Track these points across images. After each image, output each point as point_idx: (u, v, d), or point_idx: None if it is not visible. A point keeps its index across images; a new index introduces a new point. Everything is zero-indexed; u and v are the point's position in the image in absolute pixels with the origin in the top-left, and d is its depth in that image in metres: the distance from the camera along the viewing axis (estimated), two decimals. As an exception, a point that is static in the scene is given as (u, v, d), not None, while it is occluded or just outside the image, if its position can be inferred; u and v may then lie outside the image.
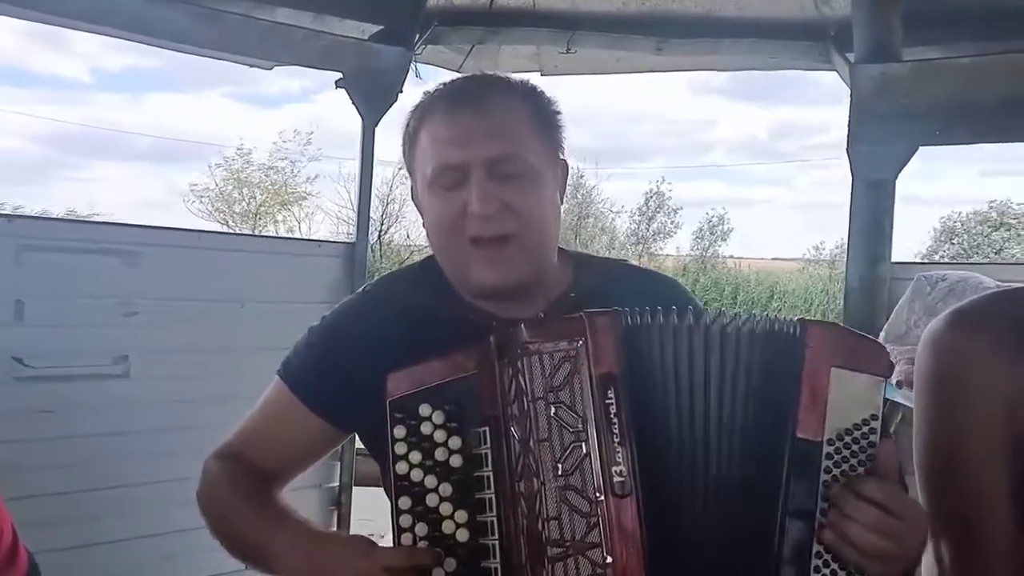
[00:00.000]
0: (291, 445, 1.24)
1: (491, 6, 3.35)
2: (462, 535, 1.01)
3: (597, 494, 0.95)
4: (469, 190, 1.12)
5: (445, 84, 1.21)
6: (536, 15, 3.34)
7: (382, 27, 3.27)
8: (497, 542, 1.00)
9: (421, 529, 1.02)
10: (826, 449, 0.98)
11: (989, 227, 19.19)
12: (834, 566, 0.97)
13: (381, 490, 1.10)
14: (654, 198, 20.52)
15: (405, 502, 1.02)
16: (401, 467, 1.03)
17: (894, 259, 3.20)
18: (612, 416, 0.96)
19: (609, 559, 0.94)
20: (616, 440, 0.96)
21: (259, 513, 1.16)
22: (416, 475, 1.03)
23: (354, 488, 3.43)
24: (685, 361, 1.00)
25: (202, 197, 18.35)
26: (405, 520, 1.02)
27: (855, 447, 0.98)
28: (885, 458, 0.99)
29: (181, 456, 2.78)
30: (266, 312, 3.06)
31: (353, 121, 3.28)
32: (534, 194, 1.15)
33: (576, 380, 0.98)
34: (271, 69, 3.32)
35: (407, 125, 1.21)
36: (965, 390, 1.12)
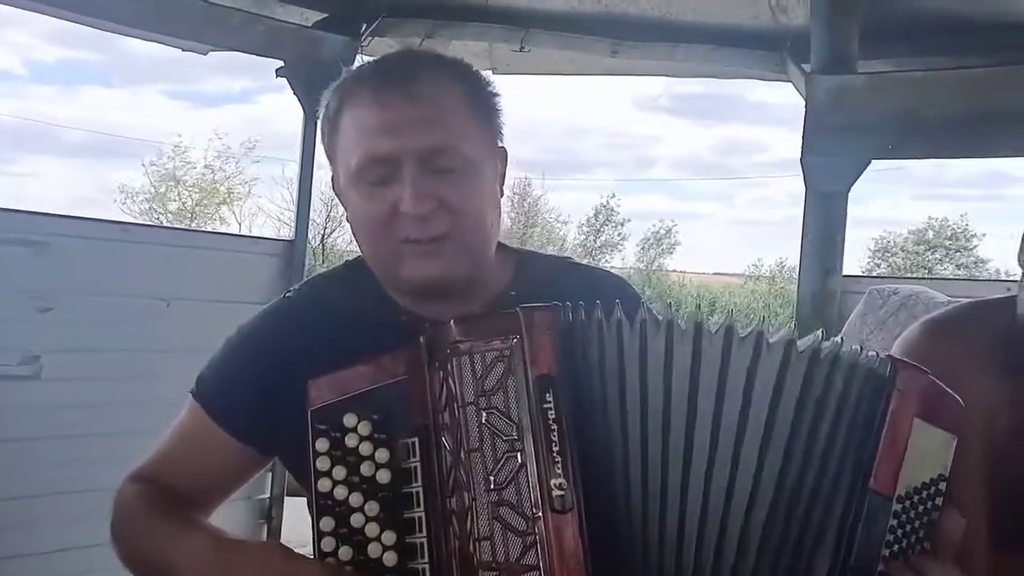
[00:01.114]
0: (209, 470, 1.13)
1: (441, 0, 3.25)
2: (390, 559, 0.91)
3: (534, 510, 0.84)
4: (400, 186, 1.01)
5: (369, 63, 1.10)
6: (489, 10, 3.25)
7: (326, 15, 3.14)
8: (427, 565, 0.90)
9: (345, 552, 0.92)
10: (895, 507, 0.89)
11: (924, 247, 19.84)
12: None
13: None
14: (603, 211, 20.71)
15: (328, 523, 0.92)
16: (324, 484, 0.92)
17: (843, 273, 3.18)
18: (551, 422, 0.86)
19: None
20: (555, 449, 0.85)
21: (164, 528, 1.04)
22: (340, 493, 0.93)
23: (286, 499, 3.28)
24: (635, 362, 0.90)
25: (136, 195, 17.87)
26: (328, 543, 0.92)
27: (921, 507, 0.90)
28: (948, 529, 0.91)
29: (95, 465, 2.62)
30: (194, 312, 2.88)
31: (295, 123, 3.17)
32: (472, 188, 1.05)
33: (511, 382, 0.87)
34: (206, 54, 3.16)
35: (327, 107, 1.09)
36: None
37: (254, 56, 3.11)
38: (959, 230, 20.02)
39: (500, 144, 1.11)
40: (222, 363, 1.13)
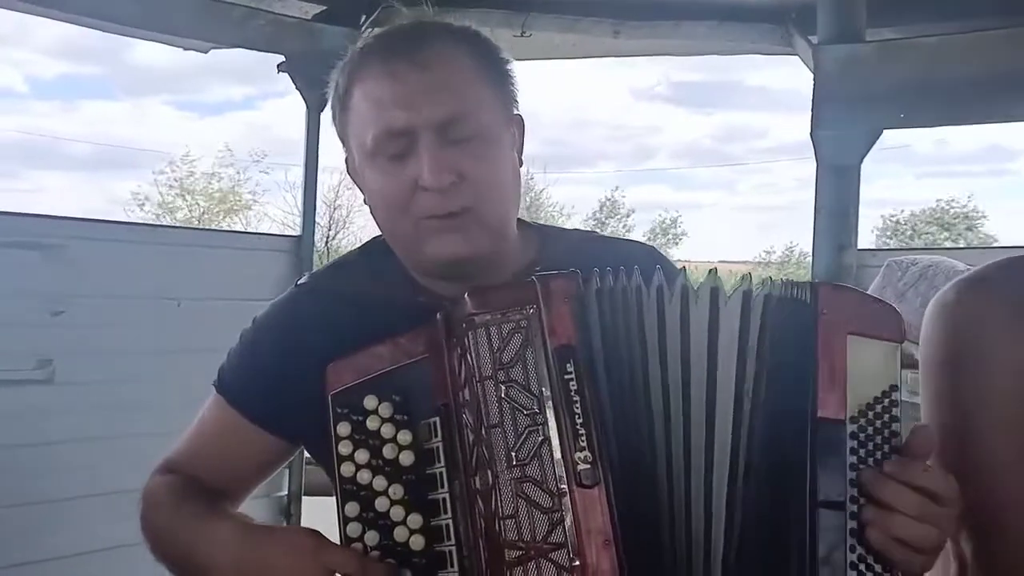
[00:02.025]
0: (236, 461, 1.11)
1: (441, -13, 3.21)
2: (416, 542, 0.89)
3: (559, 485, 0.81)
4: (418, 160, 0.98)
5: (376, 35, 1.06)
6: (489, -4, 3.21)
7: (325, 7, 3.11)
8: (454, 548, 0.88)
9: (371, 538, 0.90)
10: (850, 428, 0.86)
11: (935, 226, 19.73)
12: (869, 559, 0.85)
13: (333, 500, 0.96)
14: (607, 204, 20.65)
15: (353, 508, 0.90)
16: (347, 469, 0.90)
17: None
18: (572, 394, 0.82)
19: (576, 561, 0.80)
20: (579, 422, 0.82)
21: (193, 517, 1.02)
22: (364, 477, 0.90)
23: (304, 498, 3.28)
24: (655, 329, 0.87)
25: (143, 205, 17.99)
26: (354, 529, 0.90)
27: (878, 423, 0.87)
28: (915, 435, 0.87)
29: (111, 468, 2.64)
30: (205, 311, 2.87)
31: (299, 128, 3.15)
32: (491, 158, 1.02)
33: (529, 354, 0.84)
34: (207, 52, 3.14)
35: (336, 86, 1.06)
36: (979, 359, 1.05)
37: (255, 60, 3.10)
38: (968, 210, 19.93)
39: (516, 111, 1.07)
40: (241, 354, 1.11)
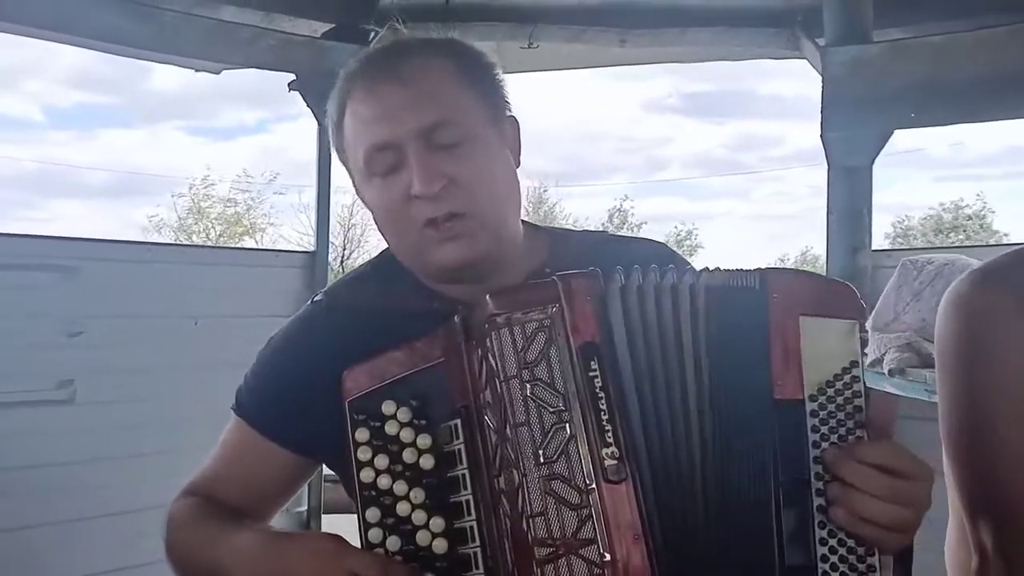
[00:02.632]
0: (260, 482, 1.11)
1: (447, 2, 3.24)
2: (439, 546, 0.89)
3: (587, 482, 0.82)
4: (408, 170, 1.01)
5: (360, 58, 1.09)
6: (495, 8, 3.24)
7: (334, 25, 3.14)
8: (479, 550, 0.88)
9: (393, 543, 0.90)
10: (809, 407, 0.87)
11: (946, 228, 19.58)
12: (840, 535, 0.85)
13: (352, 518, 0.97)
14: (617, 215, 20.65)
15: (373, 514, 0.90)
16: (366, 474, 0.91)
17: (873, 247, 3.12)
18: (597, 390, 0.83)
19: (607, 556, 0.80)
20: (605, 418, 0.82)
21: (215, 533, 1.02)
22: (383, 482, 0.90)
23: (324, 516, 3.28)
24: (670, 324, 0.88)
25: (160, 229, 18.18)
26: (375, 534, 0.90)
27: (839, 399, 0.87)
28: (877, 411, 0.88)
29: (136, 486, 2.65)
30: (222, 328, 2.89)
31: (311, 149, 3.19)
32: (480, 161, 1.03)
33: (553, 352, 0.85)
34: (219, 73, 3.18)
35: (331, 116, 1.09)
36: (994, 350, 1.05)
37: (268, 84, 3.14)
38: (978, 211, 19.79)
39: (507, 113, 1.09)
40: (258, 375, 1.12)
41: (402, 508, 0.90)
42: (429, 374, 0.91)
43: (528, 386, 0.84)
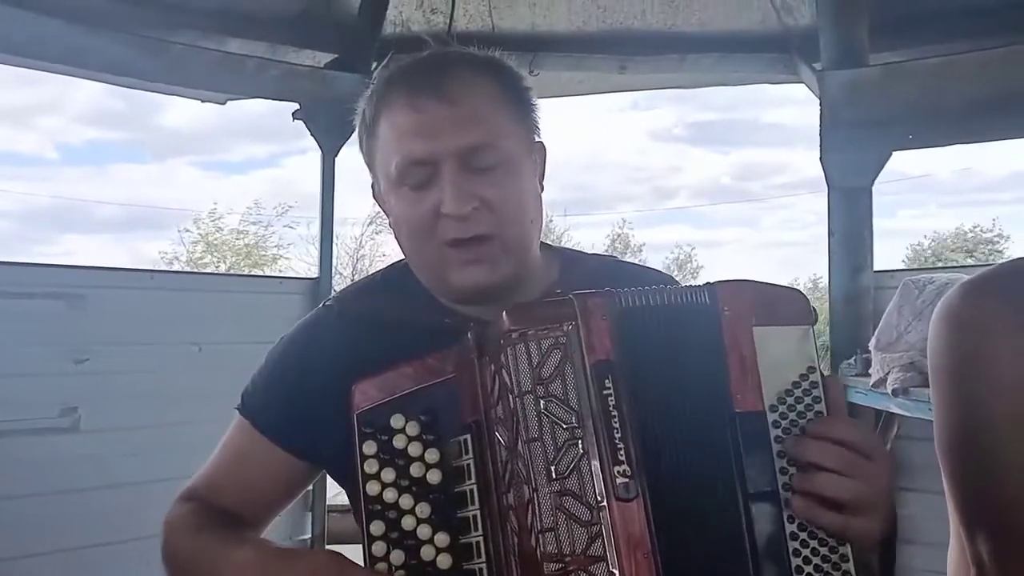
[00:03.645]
0: (259, 484, 1.11)
1: (449, 30, 3.29)
2: (444, 561, 0.88)
3: (598, 499, 0.81)
4: (440, 188, 1.01)
5: (401, 66, 1.09)
6: (496, 38, 3.28)
7: (337, 56, 3.18)
8: (484, 565, 0.87)
9: (397, 557, 0.89)
10: (771, 417, 0.86)
11: (963, 253, 19.58)
12: (812, 544, 0.84)
13: (357, 548, 0.96)
14: (619, 240, 20.71)
15: (378, 527, 0.90)
16: (372, 487, 0.90)
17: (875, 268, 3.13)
18: (611, 409, 0.83)
19: (616, 573, 0.80)
20: (617, 436, 0.82)
21: (213, 543, 1.01)
22: (390, 495, 0.90)
23: (328, 547, 3.26)
24: (687, 345, 0.88)
25: (171, 264, 18.25)
26: (379, 548, 0.89)
27: (800, 407, 0.87)
28: (834, 402, 0.87)
29: (137, 514, 2.63)
30: (226, 355, 2.89)
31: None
32: (513, 186, 1.04)
33: (568, 369, 0.84)
34: (224, 103, 3.21)
35: (363, 114, 1.09)
36: (987, 361, 1.05)
37: (278, 119, 3.17)
38: (992, 235, 19.80)
39: (537, 139, 1.10)
40: (265, 376, 1.12)
41: (407, 522, 0.89)
42: (440, 389, 0.91)
43: (542, 402, 0.84)
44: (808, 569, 0.84)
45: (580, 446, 0.83)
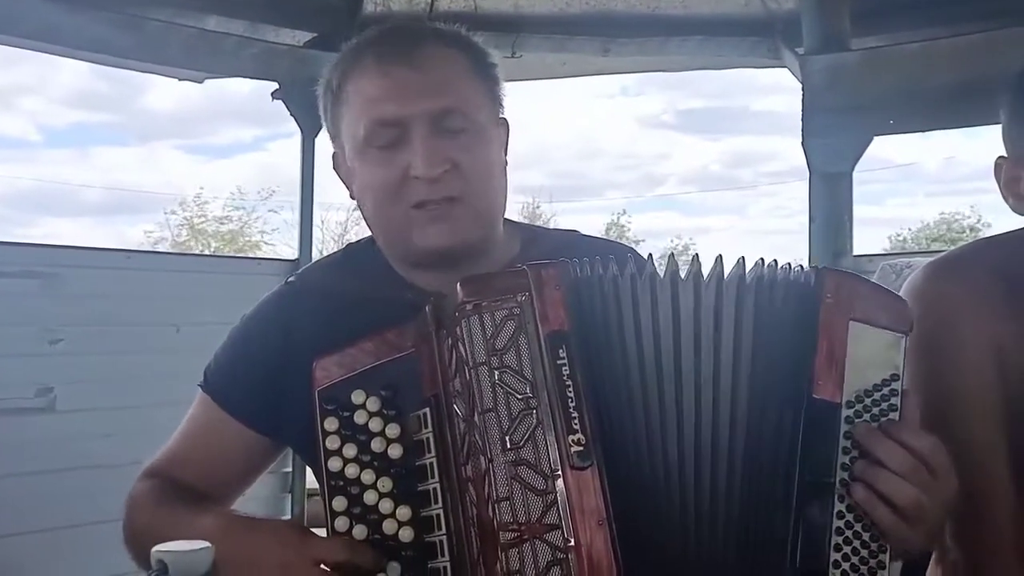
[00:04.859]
0: (223, 460, 1.11)
1: (431, 11, 3.26)
2: (406, 534, 0.90)
3: (553, 468, 0.82)
4: (410, 150, 1.01)
5: (368, 36, 1.09)
6: (478, 18, 3.26)
7: (316, 34, 3.15)
8: (445, 537, 0.88)
9: (360, 531, 0.90)
10: (845, 412, 0.86)
11: (942, 240, 19.69)
12: (863, 536, 0.84)
13: None
14: (614, 228, 20.69)
15: (340, 503, 0.91)
16: (334, 463, 0.91)
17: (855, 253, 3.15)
18: (565, 379, 0.84)
19: (571, 541, 0.81)
20: (571, 405, 0.83)
21: (174, 516, 1.02)
22: (351, 471, 0.91)
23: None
24: (647, 316, 0.88)
25: (156, 245, 18.13)
26: (341, 523, 0.90)
27: (875, 410, 0.87)
28: (910, 413, 0.87)
29: (113, 496, 2.61)
30: (204, 336, 2.84)
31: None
32: (483, 152, 1.05)
33: (522, 340, 0.85)
34: (202, 82, 3.18)
35: (328, 82, 1.09)
36: (950, 339, 1.07)
37: (263, 102, 3.13)
38: (973, 222, 19.91)
39: (502, 115, 1.11)
40: (227, 352, 1.13)
41: (369, 497, 0.90)
42: (400, 364, 0.92)
43: (496, 373, 0.85)
44: (845, 567, 0.84)
45: (535, 416, 0.83)
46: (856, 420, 0.86)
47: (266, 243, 18.24)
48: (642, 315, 0.88)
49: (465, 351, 0.86)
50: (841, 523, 0.84)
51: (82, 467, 2.60)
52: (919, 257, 2.93)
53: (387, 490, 0.90)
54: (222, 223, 18.87)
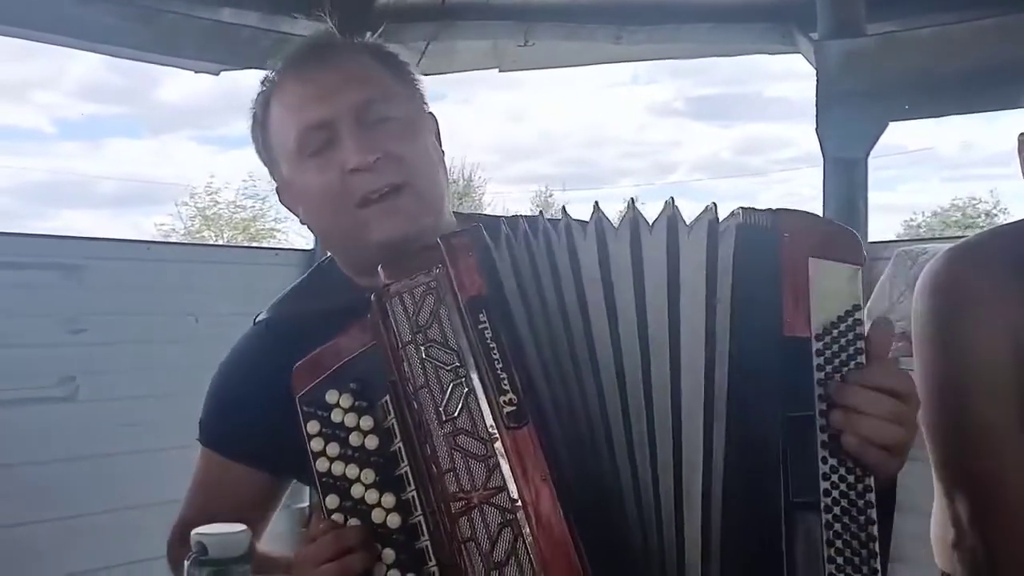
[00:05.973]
0: (239, 506, 1.12)
1: (443, 1, 3.26)
2: (393, 520, 0.91)
3: (489, 431, 0.84)
4: (342, 147, 1.03)
5: (282, 60, 1.13)
6: (491, 7, 3.26)
7: (331, 26, 3.16)
8: (421, 518, 0.90)
9: (354, 524, 0.93)
10: (815, 346, 0.87)
11: (959, 226, 19.47)
12: (847, 463, 0.86)
13: None
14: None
15: (333, 500, 0.93)
16: (322, 464, 0.94)
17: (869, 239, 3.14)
18: (489, 341, 0.85)
19: (518, 500, 0.83)
20: (499, 367, 0.84)
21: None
22: (337, 468, 0.94)
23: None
24: (566, 266, 0.89)
25: (169, 236, 18.28)
26: (337, 520, 0.93)
27: (842, 340, 0.88)
28: (876, 347, 0.88)
29: (135, 482, 2.68)
30: (223, 326, 2.88)
31: None
32: (414, 140, 1.07)
33: (443, 312, 0.88)
34: (218, 74, 3.20)
35: (255, 116, 1.12)
36: (969, 327, 1.06)
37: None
38: (990, 207, 19.67)
39: (427, 110, 1.13)
40: (214, 401, 1.16)
41: (356, 490, 0.92)
42: (364, 358, 0.93)
43: (423, 348, 0.87)
44: (834, 494, 0.85)
45: (465, 384, 0.85)
46: (826, 352, 0.87)
47: (280, 231, 18.36)
48: (560, 266, 0.88)
49: (395, 331, 0.88)
50: (825, 452, 0.86)
51: (103, 455, 2.65)
52: (934, 243, 2.93)
53: (370, 481, 0.92)
54: (235, 211, 18.99)
